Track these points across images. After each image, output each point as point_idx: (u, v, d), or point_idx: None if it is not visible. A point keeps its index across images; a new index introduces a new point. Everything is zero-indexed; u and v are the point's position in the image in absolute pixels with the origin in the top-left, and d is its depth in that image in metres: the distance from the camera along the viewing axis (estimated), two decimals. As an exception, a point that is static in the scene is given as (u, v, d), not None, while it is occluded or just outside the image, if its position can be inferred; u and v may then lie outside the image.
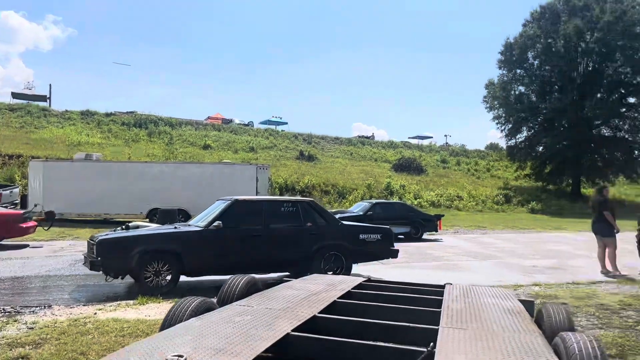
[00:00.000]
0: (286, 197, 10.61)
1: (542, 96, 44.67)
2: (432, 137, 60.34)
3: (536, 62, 44.92)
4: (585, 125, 42.24)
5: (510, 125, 45.61)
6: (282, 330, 3.22)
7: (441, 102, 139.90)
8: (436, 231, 18.70)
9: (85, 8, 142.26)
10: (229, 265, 8.13)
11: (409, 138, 58.90)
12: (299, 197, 12.13)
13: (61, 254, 12.35)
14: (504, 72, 45.79)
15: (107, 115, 42.19)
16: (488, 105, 46.49)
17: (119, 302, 6.97)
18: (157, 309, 6.51)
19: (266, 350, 2.92)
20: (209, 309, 3.69)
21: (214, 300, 4.04)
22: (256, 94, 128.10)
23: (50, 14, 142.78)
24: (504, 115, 45.73)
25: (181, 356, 2.53)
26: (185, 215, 18.33)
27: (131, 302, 6.98)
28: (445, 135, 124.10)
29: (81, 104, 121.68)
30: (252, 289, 4.51)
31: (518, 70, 45.36)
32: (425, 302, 4.57)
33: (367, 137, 53.77)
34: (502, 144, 50.32)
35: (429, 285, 5.50)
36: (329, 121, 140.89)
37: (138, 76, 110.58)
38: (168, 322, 3.40)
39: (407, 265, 11.34)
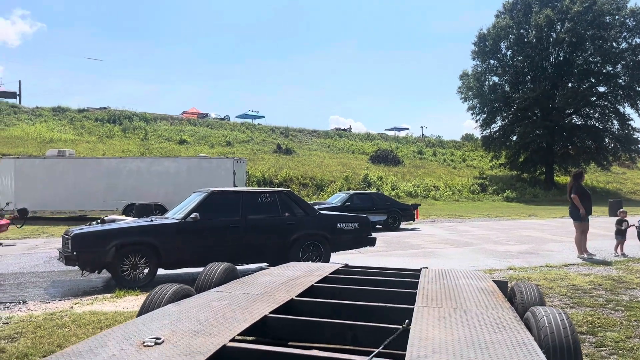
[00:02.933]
0: (263, 188, 10.62)
1: (515, 86, 45.37)
2: (408, 129, 60.81)
3: (509, 53, 45.59)
4: (557, 114, 43.05)
5: (484, 116, 46.23)
6: (260, 312, 3.25)
7: (417, 94, 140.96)
8: (413, 220, 18.91)
9: (53, 2, 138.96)
10: (207, 257, 8.06)
11: (385, 130, 59.26)
12: (276, 188, 12.15)
13: (35, 251, 12.14)
14: (478, 63, 46.41)
15: (80, 111, 41.41)
16: (463, 96, 47.06)
17: (95, 296, 6.90)
18: (135, 302, 6.48)
19: (245, 333, 2.95)
20: (186, 295, 3.70)
21: (192, 288, 4.04)
22: (232, 88, 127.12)
23: (18, 8, 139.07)
24: (478, 105, 46.33)
25: (159, 339, 2.55)
26: (162, 211, 18.12)
27: (108, 295, 6.93)
28: (422, 127, 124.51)
29: (52, 100, 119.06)
30: (230, 276, 4.53)
31: (491, 61, 45.97)
32: (401, 284, 4.65)
33: (344, 130, 53.86)
34: (477, 134, 50.99)
35: (405, 269, 5.59)
36: (306, 114, 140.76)
37: (111, 71, 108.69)
38: (145, 309, 3.39)
39: (385, 253, 11.45)
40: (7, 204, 18.06)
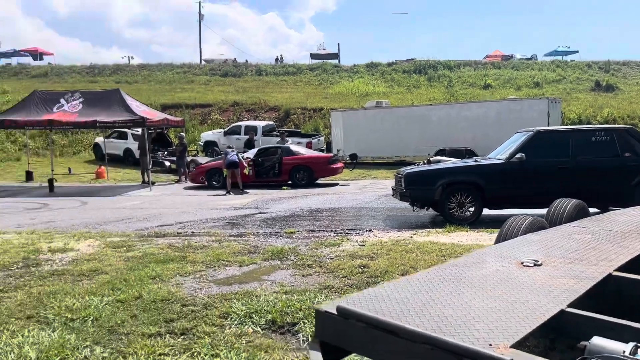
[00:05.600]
0: (597, 126, 9.62)
1: None
2: None
3: None
4: None
5: None
6: (636, 248, 2.99)
7: None
8: None
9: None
10: (531, 198, 7.84)
11: None
12: (613, 125, 10.81)
13: (365, 190, 13.81)
14: None
15: (389, 65, 44.37)
16: None
17: (429, 230, 7.49)
18: (465, 237, 6.77)
19: (618, 268, 2.77)
20: (541, 227, 3.68)
21: (544, 220, 3.98)
22: (538, 24, 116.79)
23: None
24: None
25: (537, 261, 2.60)
26: (472, 155, 18.24)
27: (440, 230, 7.42)
28: None
29: (366, 57, 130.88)
30: (581, 213, 4.29)
31: None
32: None
33: (686, 57, 43.85)
34: None
35: None
36: (630, 43, 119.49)
37: (414, 23, 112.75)
38: (503, 236, 3.51)
39: None
40: (338, 150, 20.90)
